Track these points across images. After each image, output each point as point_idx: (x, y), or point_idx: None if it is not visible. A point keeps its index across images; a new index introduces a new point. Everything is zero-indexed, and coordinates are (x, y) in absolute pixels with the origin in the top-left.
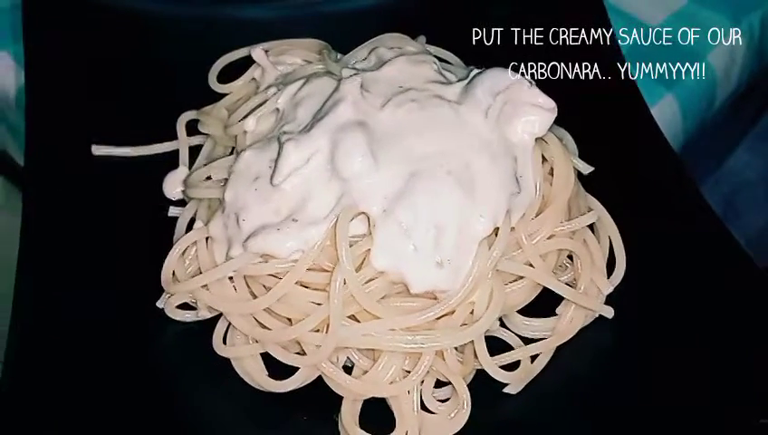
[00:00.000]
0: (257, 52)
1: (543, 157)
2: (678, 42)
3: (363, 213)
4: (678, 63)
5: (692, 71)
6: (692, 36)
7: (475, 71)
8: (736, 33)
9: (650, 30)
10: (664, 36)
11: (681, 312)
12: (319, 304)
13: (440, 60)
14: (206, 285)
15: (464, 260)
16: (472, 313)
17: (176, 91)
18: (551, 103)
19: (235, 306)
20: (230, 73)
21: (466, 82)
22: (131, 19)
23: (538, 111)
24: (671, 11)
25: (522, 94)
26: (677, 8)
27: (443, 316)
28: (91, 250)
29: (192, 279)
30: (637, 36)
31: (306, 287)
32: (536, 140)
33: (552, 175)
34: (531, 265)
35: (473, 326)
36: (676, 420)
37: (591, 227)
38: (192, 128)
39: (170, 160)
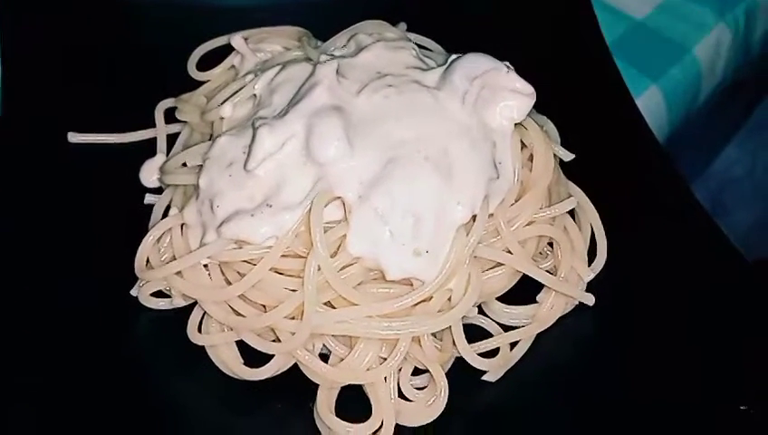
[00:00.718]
0: (236, 39)
1: (523, 143)
2: (664, 34)
3: (339, 199)
4: (663, 56)
5: (677, 63)
6: (677, 29)
7: (454, 56)
8: (721, 26)
9: (636, 22)
10: (650, 29)
11: (662, 299)
12: (294, 291)
13: (421, 47)
14: (180, 273)
15: (441, 248)
16: (449, 300)
17: (154, 78)
18: (529, 88)
19: (209, 293)
20: (209, 61)
21: (444, 67)
22: (110, 4)
23: (516, 96)
24: (657, 4)
25: (499, 79)
26: (663, 1)
27: (420, 303)
28: (65, 238)
29: (166, 265)
30: (622, 28)
31: (281, 274)
32: (515, 125)
33: (532, 161)
34: (509, 253)
35: (450, 312)
36: (657, 408)
37: (572, 214)
38: (170, 116)
39: (148, 148)
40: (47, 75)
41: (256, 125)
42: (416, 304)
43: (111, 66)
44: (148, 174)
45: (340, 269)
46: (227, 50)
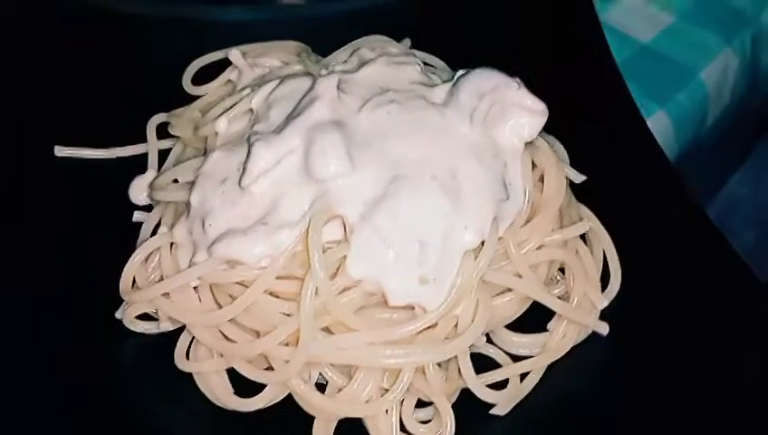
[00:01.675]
0: (234, 53)
1: (533, 163)
2: (670, 58)
3: (339, 218)
4: (670, 80)
5: (684, 87)
6: (683, 53)
7: (462, 72)
8: (728, 51)
9: (641, 45)
10: (655, 52)
11: (680, 328)
12: (289, 316)
13: (426, 65)
14: (168, 295)
15: (448, 275)
16: (456, 327)
17: (148, 92)
18: (540, 105)
19: (198, 317)
20: (205, 76)
21: (452, 83)
22: (104, 17)
23: (527, 114)
24: (661, 27)
25: (509, 95)
26: (667, 25)
27: (424, 331)
28: (48, 257)
29: (152, 287)
30: (628, 52)
31: (276, 297)
32: (526, 145)
33: (543, 182)
34: (519, 277)
35: (457, 340)
36: None
37: (584, 239)
38: (162, 132)
39: (138, 165)
40: (36, 87)
41: (252, 140)
42: (420, 332)
43: (103, 79)
44: (138, 191)
45: (340, 293)
46: (224, 65)
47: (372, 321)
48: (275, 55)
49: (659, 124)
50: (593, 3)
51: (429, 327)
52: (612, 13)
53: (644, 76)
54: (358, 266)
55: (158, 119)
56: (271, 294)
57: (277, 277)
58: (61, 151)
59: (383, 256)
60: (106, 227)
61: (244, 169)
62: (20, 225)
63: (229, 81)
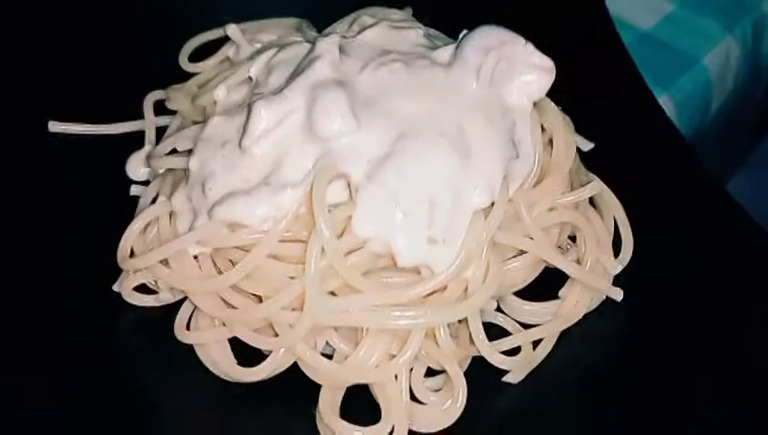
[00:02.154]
0: (231, 27)
1: (542, 127)
2: (671, 44)
3: (344, 179)
4: (673, 65)
5: (687, 72)
6: (684, 40)
7: (465, 31)
8: (729, 39)
9: (641, 33)
10: (656, 39)
11: (695, 296)
12: (293, 279)
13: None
14: (167, 263)
15: (458, 236)
16: (466, 291)
17: (144, 69)
18: (548, 62)
19: (198, 284)
20: (203, 53)
21: (455, 44)
22: None
23: (535, 71)
24: (662, 15)
25: (517, 52)
26: (667, 12)
27: (433, 294)
28: (45, 232)
29: (150, 253)
30: (627, 38)
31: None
32: (534, 105)
33: (552, 145)
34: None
35: (468, 301)
36: (691, 411)
37: (594, 206)
38: (160, 109)
39: (135, 142)
40: (31, 63)
41: (252, 100)
42: (429, 296)
43: (99, 55)
44: (136, 167)
45: (346, 254)
46: (221, 42)
47: (380, 283)
48: (274, 32)
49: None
50: None
51: (439, 291)
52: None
53: (646, 62)
54: (364, 225)
55: (154, 95)
56: (274, 258)
57: (281, 240)
58: (54, 127)
59: (391, 214)
60: (103, 202)
61: (244, 130)
62: (15, 201)
63: (227, 58)
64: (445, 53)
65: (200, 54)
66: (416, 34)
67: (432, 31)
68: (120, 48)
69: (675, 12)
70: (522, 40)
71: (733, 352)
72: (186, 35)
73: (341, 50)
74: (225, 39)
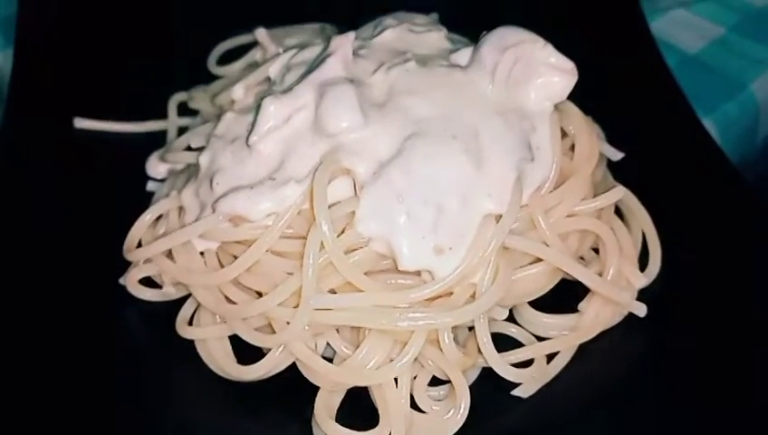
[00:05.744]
0: (260, 31)
1: (564, 132)
2: (718, 69)
3: (349, 173)
4: (717, 90)
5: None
6: (733, 64)
7: (485, 32)
8: None
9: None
10: (702, 63)
11: (724, 315)
12: (292, 275)
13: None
14: (171, 256)
15: (465, 240)
16: (473, 296)
17: (173, 71)
18: (569, 64)
19: (200, 278)
20: (231, 59)
21: (473, 46)
22: None
23: (555, 73)
24: (710, 39)
25: (535, 52)
26: (716, 37)
27: (440, 298)
28: (61, 223)
29: (155, 243)
30: (672, 62)
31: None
32: (555, 108)
33: (573, 150)
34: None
35: (473, 304)
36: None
37: (621, 217)
38: (183, 110)
39: (158, 140)
40: (59, 61)
41: (262, 97)
42: (434, 299)
43: (129, 55)
44: (156, 165)
45: (348, 252)
46: (250, 48)
47: (381, 283)
48: (300, 36)
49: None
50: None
51: (445, 296)
52: (656, 23)
53: (690, 85)
54: (367, 223)
55: (179, 97)
56: (276, 253)
57: (283, 236)
58: (80, 123)
59: (395, 215)
60: (121, 197)
61: (252, 127)
62: (37, 192)
63: (255, 62)
64: (464, 55)
65: (229, 59)
66: (437, 37)
67: (456, 36)
68: (149, 50)
69: (724, 36)
70: (540, 40)
71: (760, 374)
72: (215, 40)
73: (357, 52)
74: (254, 44)
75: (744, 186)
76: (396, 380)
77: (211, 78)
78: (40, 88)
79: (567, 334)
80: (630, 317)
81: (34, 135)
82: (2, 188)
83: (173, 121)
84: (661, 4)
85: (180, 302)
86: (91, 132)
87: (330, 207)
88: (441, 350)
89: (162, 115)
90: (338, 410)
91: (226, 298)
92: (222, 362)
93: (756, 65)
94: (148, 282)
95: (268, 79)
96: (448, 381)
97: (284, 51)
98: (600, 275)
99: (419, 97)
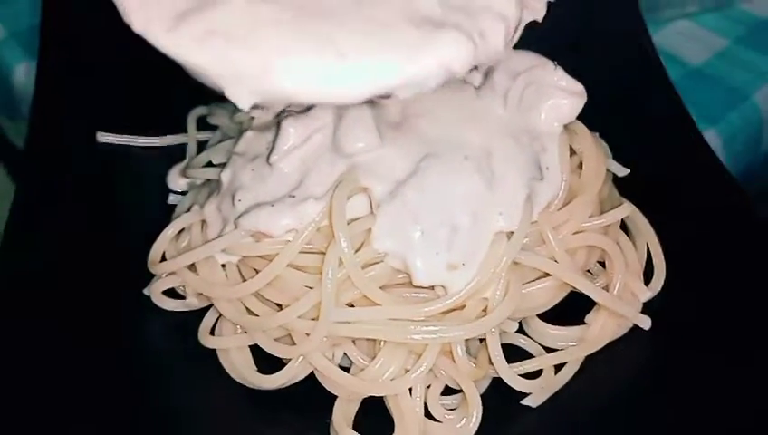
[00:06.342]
0: None
1: (572, 150)
2: (721, 80)
3: (367, 194)
4: (721, 100)
5: (735, 108)
6: (735, 76)
7: None
8: None
9: (691, 69)
10: (705, 75)
11: (727, 328)
12: (312, 289)
13: None
14: (195, 269)
15: (478, 257)
16: (485, 311)
17: (192, 86)
18: (578, 87)
19: (222, 291)
20: None
21: (485, 69)
22: None
23: (564, 95)
24: (714, 51)
25: (546, 77)
26: (720, 49)
27: (452, 312)
28: (84, 235)
29: (179, 257)
30: (675, 74)
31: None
32: (564, 128)
33: (581, 169)
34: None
35: (485, 318)
36: None
37: (626, 232)
38: (203, 125)
39: (178, 154)
40: (82, 75)
41: (282, 117)
42: (447, 313)
43: (149, 69)
44: (176, 178)
45: (365, 267)
46: None
47: (397, 297)
48: None
49: (710, 144)
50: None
51: (458, 309)
52: (659, 35)
53: (693, 97)
54: (383, 240)
55: (198, 111)
56: (296, 268)
57: (303, 251)
58: (103, 137)
59: (410, 232)
60: (143, 210)
61: (272, 146)
62: (59, 206)
63: None
64: (476, 76)
65: None
66: None
67: None
68: (169, 64)
69: (728, 48)
70: (551, 64)
71: (763, 386)
72: None
73: None
74: None
75: (746, 202)
76: (410, 389)
77: None
78: (63, 103)
79: (575, 346)
80: (635, 329)
81: (59, 150)
82: (26, 202)
83: (192, 136)
84: (664, 15)
85: (203, 312)
86: (113, 146)
87: (347, 223)
88: (454, 361)
89: (181, 129)
90: (354, 418)
91: (248, 310)
92: (243, 371)
93: (760, 76)
94: (171, 293)
95: None
96: (460, 391)
97: None
98: (607, 288)
99: (434, 118)
